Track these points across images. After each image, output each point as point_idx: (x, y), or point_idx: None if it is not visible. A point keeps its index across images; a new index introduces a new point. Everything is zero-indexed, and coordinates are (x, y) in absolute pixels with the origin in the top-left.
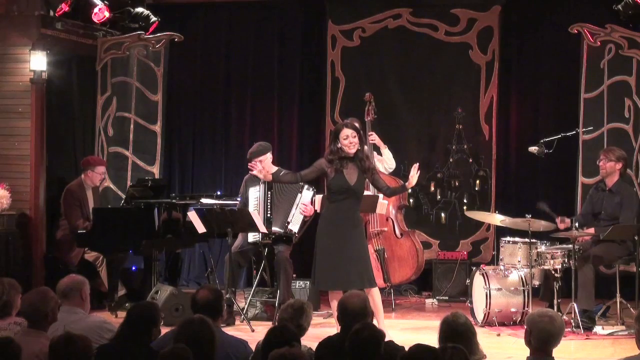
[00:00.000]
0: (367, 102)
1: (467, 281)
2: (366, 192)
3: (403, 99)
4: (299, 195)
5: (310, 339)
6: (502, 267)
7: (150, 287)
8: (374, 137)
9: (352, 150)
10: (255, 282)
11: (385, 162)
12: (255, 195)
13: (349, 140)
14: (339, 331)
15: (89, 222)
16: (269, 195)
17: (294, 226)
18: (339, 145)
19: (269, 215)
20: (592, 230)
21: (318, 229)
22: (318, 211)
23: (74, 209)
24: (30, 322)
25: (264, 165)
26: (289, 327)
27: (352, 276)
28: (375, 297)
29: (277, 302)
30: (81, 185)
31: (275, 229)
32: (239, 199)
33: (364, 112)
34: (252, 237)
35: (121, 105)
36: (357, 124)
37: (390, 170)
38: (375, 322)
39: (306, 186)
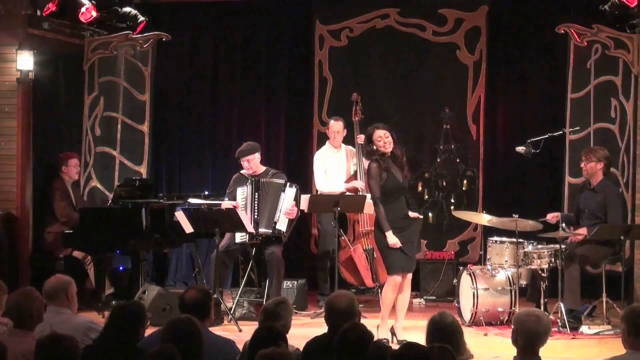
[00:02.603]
0: (354, 102)
1: (455, 281)
2: (350, 193)
3: (390, 98)
4: (282, 194)
5: (298, 339)
6: (489, 267)
7: (138, 287)
8: (362, 139)
9: (388, 150)
10: (243, 282)
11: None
12: (242, 195)
13: (382, 141)
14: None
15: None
16: (256, 196)
17: (282, 225)
18: (374, 147)
19: (256, 216)
20: (583, 230)
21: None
22: (305, 210)
23: (63, 201)
24: (15, 322)
25: (252, 164)
26: (275, 326)
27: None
28: (409, 287)
29: (265, 301)
30: (62, 182)
31: (262, 230)
32: (226, 198)
33: (352, 112)
34: (239, 237)
35: (108, 105)
36: (340, 121)
37: None
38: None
39: (288, 184)
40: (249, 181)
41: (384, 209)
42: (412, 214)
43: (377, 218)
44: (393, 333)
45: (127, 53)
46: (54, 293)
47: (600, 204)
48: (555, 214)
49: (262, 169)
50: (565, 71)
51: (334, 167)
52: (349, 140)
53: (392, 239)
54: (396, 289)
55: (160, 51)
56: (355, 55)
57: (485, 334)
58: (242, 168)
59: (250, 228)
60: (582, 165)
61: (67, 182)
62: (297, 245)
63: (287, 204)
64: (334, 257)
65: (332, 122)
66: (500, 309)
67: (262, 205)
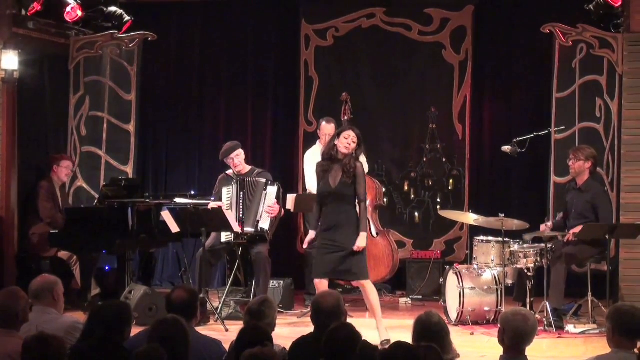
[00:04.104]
0: (344, 102)
1: (441, 280)
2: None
3: (376, 98)
4: (264, 192)
5: (284, 339)
6: (475, 266)
7: (124, 286)
8: None
9: (345, 151)
10: (229, 282)
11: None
12: (227, 195)
13: (348, 141)
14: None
15: (62, 216)
16: (241, 196)
17: (264, 224)
18: (337, 142)
19: (241, 215)
20: (577, 229)
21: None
22: (292, 210)
23: (49, 202)
24: (1, 322)
25: (238, 159)
26: (261, 326)
27: (339, 269)
28: (368, 292)
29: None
30: (51, 182)
31: (247, 229)
32: (212, 198)
33: (340, 112)
34: (224, 237)
35: (94, 104)
36: (332, 123)
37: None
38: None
39: (269, 182)
40: (234, 180)
41: (322, 211)
42: (357, 242)
43: None
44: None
45: (113, 53)
46: (40, 293)
47: (587, 204)
48: (548, 224)
49: (248, 168)
50: (550, 71)
51: None
52: None
53: (309, 237)
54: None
55: (146, 51)
56: (342, 55)
57: (472, 333)
58: (227, 168)
59: (236, 227)
60: (570, 163)
61: (55, 183)
62: (284, 244)
63: (269, 202)
64: None
65: (323, 123)
66: (486, 308)
67: (247, 205)
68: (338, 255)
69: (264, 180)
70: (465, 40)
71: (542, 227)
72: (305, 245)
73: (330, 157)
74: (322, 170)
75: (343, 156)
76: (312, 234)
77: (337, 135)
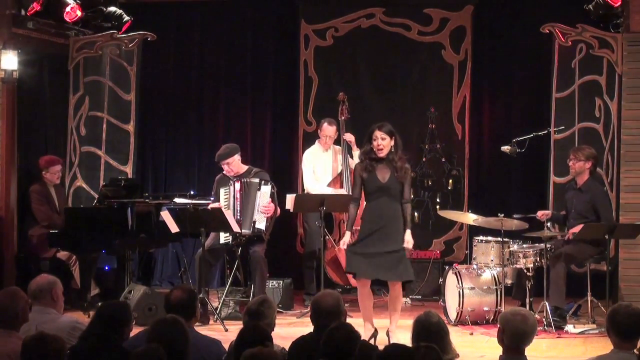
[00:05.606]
0: (341, 102)
1: (440, 280)
2: (341, 191)
3: (376, 98)
4: (258, 192)
5: (284, 339)
6: (475, 266)
7: (124, 286)
8: (350, 138)
9: (381, 154)
10: (229, 282)
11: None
12: (225, 196)
13: (377, 141)
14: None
15: (60, 216)
16: (239, 197)
17: (260, 224)
18: (370, 146)
19: (238, 217)
20: (577, 228)
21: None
22: (291, 210)
23: (43, 205)
24: (0, 322)
25: (232, 166)
26: (261, 326)
27: (382, 268)
28: (400, 294)
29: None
30: (43, 184)
31: (244, 231)
32: (212, 198)
33: (338, 112)
34: (223, 238)
35: (94, 104)
36: (334, 125)
37: None
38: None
39: (263, 182)
40: (231, 181)
41: (365, 207)
42: (406, 238)
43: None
44: (387, 336)
45: (113, 53)
46: (39, 293)
47: (587, 204)
48: (546, 212)
49: (245, 168)
50: (549, 71)
51: (322, 166)
52: (335, 139)
53: (345, 238)
54: (362, 292)
55: (146, 51)
56: (341, 55)
57: (471, 333)
58: None
59: (236, 227)
60: (571, 164)
61: (48, 185)
62: (283, 244)
63: (263, 201)
64: (320, 257)
65: (325, 124)
66: (486, 308)
67: (244, 205)
68: (383, 253)
69: (257, 180)
70: (465, 40)
71: (539, 213)
72: (344, 246)
73: (371, 158)
74: (365, 169)
75: (386, 155)
76: (349, 235)
77: (369, 139)
